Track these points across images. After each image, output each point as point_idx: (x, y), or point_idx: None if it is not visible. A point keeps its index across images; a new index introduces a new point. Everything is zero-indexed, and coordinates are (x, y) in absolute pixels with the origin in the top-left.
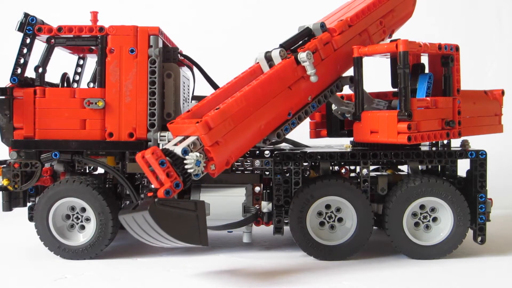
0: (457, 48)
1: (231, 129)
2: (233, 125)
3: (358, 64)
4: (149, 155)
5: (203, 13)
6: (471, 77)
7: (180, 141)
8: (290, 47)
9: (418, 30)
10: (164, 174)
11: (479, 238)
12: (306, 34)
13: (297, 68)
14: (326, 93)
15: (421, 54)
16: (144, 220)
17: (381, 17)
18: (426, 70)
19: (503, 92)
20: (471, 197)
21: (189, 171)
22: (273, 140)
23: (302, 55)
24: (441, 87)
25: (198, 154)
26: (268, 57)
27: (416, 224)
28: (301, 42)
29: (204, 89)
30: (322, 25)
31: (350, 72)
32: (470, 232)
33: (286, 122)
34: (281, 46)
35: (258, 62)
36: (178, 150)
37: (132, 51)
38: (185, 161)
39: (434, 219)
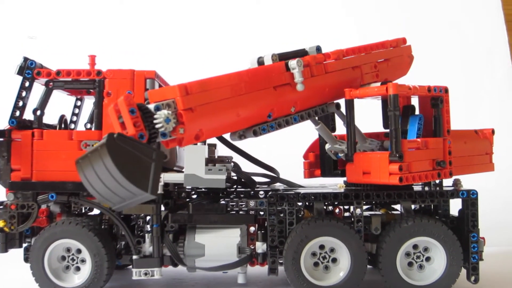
0: (446, 90)
1: (208, 102)
2: (211, 100)
3: (349, 107)
4: (121, 100)
5: (199, 53)
6: (462, 115)
7: None
8: (283, 59)
9: (411, 70)
10: (131, 122)
11: (473, 278)
12: (301, 53)
13: (285, 73)
14: (310, 111)
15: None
16: (100, 158)
17: (376, 61)
18: (417, 112)
19: (493, 131)
20: (463, 236)
21: (157, 126)
22: (249, 137)
23: (292, 62)
24: (432, 128)
25: (170, 112)
26: (261, 62)
27: (410, 264)
28: None
29: None
30: (318, 48)
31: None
32: (463, 271)
33: (265, 123)
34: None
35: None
36: (151, 106)
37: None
38: (155, 116)
39: (427, 259)
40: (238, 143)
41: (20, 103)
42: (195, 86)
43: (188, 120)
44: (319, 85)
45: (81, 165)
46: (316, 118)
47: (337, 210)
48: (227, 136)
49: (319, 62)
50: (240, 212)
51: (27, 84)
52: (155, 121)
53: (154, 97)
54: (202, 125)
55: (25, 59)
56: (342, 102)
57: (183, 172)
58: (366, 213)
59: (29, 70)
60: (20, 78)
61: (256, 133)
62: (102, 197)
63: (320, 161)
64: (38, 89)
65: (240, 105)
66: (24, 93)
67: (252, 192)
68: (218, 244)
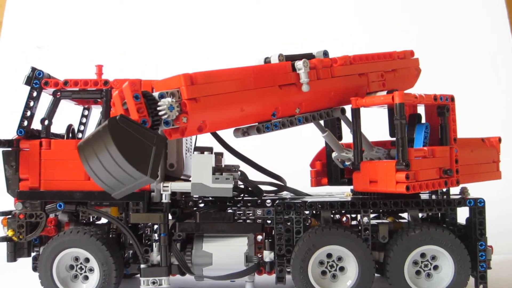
0: (452, 98)
1: (212, 94)
2: (215, 92)
3: (356, 115)
4: (125, 86)
5: (201, 55)
6: (469, 124)
7: None
8: (289, 60)
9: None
10: (135, 108)
11: (481, 286)
12: (307, 57)
13: (291, 73)
14: (314, 114)
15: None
16: (100, 139)
17: (383, 70)
18: (423, 120)
19: (500, 139)
20: (471, 244)
21: (160, 113)
22: (252, 134)
23: (298, 62)
24: (438, 136)
25: (174, 100)
26: (267, 62)
27: (418, 273)
28: None
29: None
30: (325, 53)
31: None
32: (471, 280)
33: (269, 121)
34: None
35: None
36: (155, 94)
37: None
38: (159, 103)
39: (435, 267)
40: (244, 151)
41: (28, 113)
42: (201, 76)
43: (192, 109)
44: (325, 88)
45: (82, 148)
46: (322, 124)
47: (344, 219)
48: (233, 143)
49: (325, 66)
50: (248, 221)
51: (35, 94)
52: (158, 108)
53: (160, 86)
54: (206, 117)
55: (33, 69)
56: (348, 108)
57: (190, 181)
58: (373, 222)
59: (37, 80)
60: (28, 88)
61: (259, 131)
62: (101, 180)
63: (327, 169)
64: (45, 99)
65: (245, 100)
66: (32, 103)
67: (259, 201)
68: (225, 252)
